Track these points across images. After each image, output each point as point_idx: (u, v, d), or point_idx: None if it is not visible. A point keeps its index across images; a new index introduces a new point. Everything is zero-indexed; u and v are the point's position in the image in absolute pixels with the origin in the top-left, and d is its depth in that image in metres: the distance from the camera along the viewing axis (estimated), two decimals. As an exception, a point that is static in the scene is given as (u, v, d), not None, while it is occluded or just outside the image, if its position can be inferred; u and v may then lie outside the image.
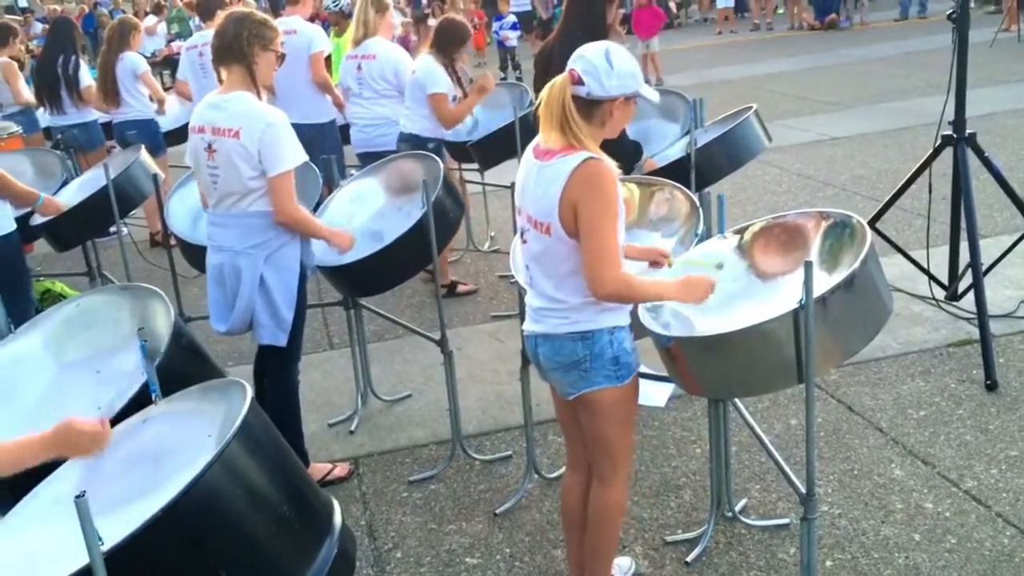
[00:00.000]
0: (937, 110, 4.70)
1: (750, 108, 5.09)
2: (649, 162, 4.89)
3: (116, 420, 2.46)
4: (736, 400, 3.27)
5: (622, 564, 3.23)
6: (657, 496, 3.69)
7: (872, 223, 5.02)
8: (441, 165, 4.23)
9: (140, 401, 2.50)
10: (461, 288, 6.08)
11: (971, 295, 4.58)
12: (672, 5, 21.39)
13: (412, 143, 5.51)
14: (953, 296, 5.03)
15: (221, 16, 3.69)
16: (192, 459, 2.04)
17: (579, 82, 2.54)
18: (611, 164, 2.56)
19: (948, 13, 4.55)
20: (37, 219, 5.15)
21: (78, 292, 5.07)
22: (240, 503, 1.98)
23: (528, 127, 5.40)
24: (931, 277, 5.06)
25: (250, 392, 2.14)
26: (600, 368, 2.67)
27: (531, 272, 2.75)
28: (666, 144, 5.30)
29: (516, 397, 3.82)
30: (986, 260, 4.60)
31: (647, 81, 13.09)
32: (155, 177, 5.18)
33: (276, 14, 7.25)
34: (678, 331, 2.89)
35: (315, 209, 4.25)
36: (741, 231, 3.24)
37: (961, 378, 4.36)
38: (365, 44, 5.84)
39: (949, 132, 4.67)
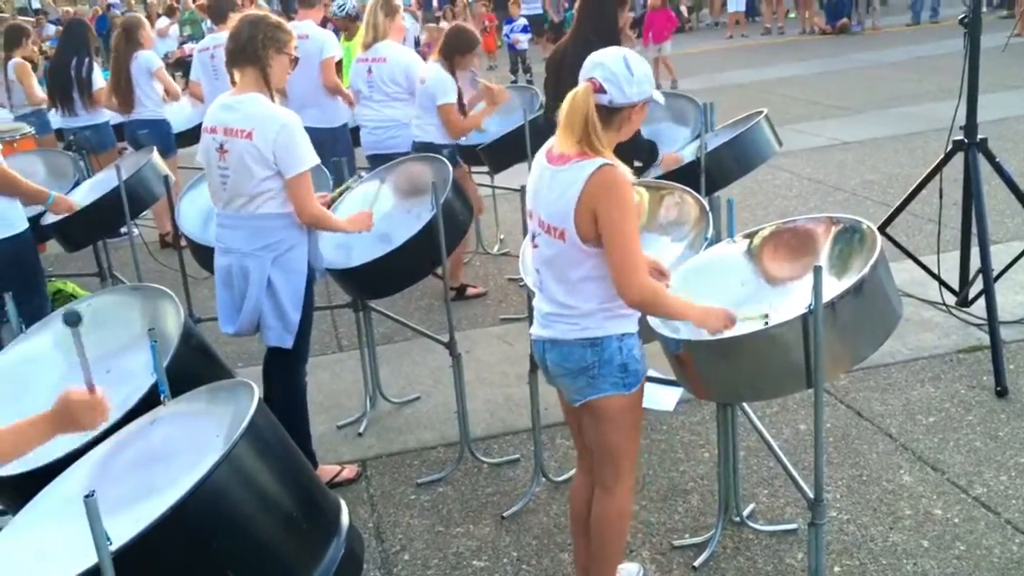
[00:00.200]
0: (949, 115, 4.69)
1: (760, 112, 5.08)
2: (675, 157, 4.88)
3: (125, 420, 2.47)
4: (745, 404, 3.26)
5: (630, 570, 3.22)
6: (665, 500, 3.69)
7: (883, 228, 5.00)
8: (450, 167, 4.24)
9: (149, 401, 2.51)
10: (470, 291, 6.09)
11: (982, 301, 4.56)
12: (683, 9, 21.40)
13: (427, 151, 5.51)
14: (964, 302, 5.01)
15: (233, 18, 3.71)
16: (200, 459, 2.04)
17: (600, 90, 2.55)
18: (624, 169, 2.57)
19: (960, 18, 4.54)
20: (49, 219, 5.17)
21: (89, 292, 5.10)
22: (247, 503, 1.99)
23: (538, 130, 5.41)
24: (941, 283, 5.04)
25: (258, 393, 2.15)
26: (608, 375, 2.67)
27: (541, 276, 2.75)
28: (676, 148, 5.29)
29: (524, 400, 3.82)
30: (997, 266, 4.58)
31: (658, 86, 13.13)
32: (166, 179, 5.21)
33: (288, 18, 7.28)
34: (687, 334, 2.89)
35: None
36: (751, 235, 3.24)
37: (971, 384, 4.35)
38: (375, 47, 5.86)
39: (960, 137, 4.66)
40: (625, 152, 2.61)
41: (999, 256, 4.83)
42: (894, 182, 7.69)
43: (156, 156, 5.58)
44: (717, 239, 3.31)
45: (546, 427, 4.02)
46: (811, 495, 2.74)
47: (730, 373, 2.79)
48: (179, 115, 8.03)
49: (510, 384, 4.77)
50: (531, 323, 2.88)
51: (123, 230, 5.94)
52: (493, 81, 6.14)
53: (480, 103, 5.77)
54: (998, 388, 4.23)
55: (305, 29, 6.23)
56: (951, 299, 5.05)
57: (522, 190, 2.85)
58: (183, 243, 4.82)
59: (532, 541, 3.53)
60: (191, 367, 2.72)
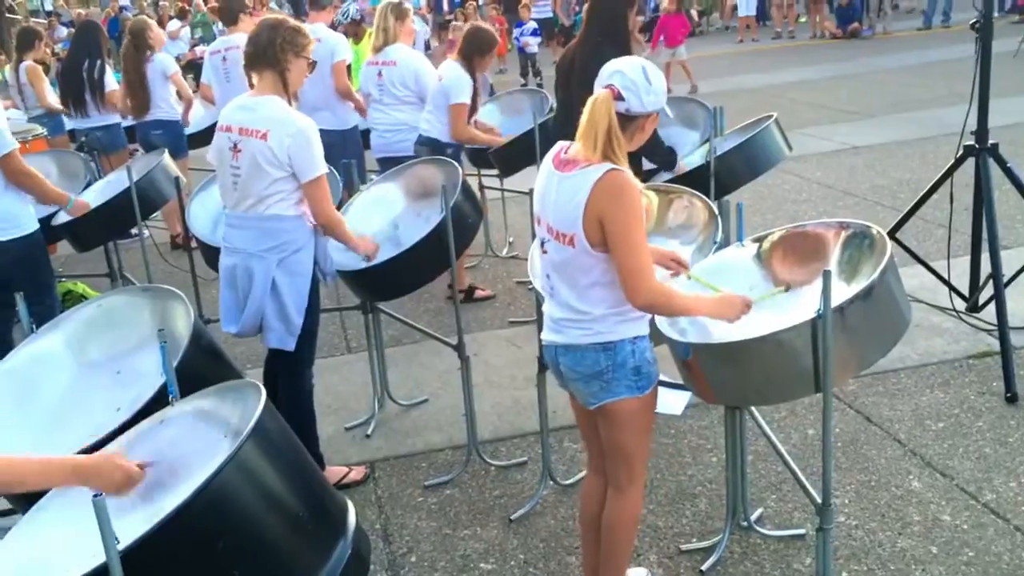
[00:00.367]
0: (960, 120, 4.67)
1: (770, 117, 5.07)
2: (679, 166, 4.90)
3: (134, 420, 2.48)
4: (753, 409, 3.26)
5: (637, 574, 3.22)
6: (672, 504, 3.68)
7: (893, 233, 4.99)
8: (460, 171, 4.25)
9: (159, 401, 2.52)
10: (479, 293, 6.09)
11: (992, 307, 4.54)
12: (694, 13, 21.38)
13: (431, 147, 5.54)
14: (974, 307, 5.00)
15: (244, 21, 3.73)
16: (207, 460, 2.04)
17: (619, 97, 2.56)
18: (631, 174, 2.57)
19: (972, 23, 4.53)
20: (60, 219, 5.20)
21: (99, 293, 5.11)
22: (254, 504, 1.99)
23: (548, 134, 5.41)
24: (952, 288, 5.02)
25: (264, 394, 2.15)
26: (622, 378, 2.67)
27: (551, 282, 2.75)
28: (686, 152, 5.29)
29: (532, 403, 3.83)
30: (1007, 271, 4.56)
31: (669, 90, 13.11)
32: (177, 180, 5.24)
33: (298, 20, 7.30)
34: (694, 338, 2.89)
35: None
36: (760, 240, 3.24)
37: (981, 390, 4.33)
38: (386, 51, 5.88)
39: (971, 142, 4.65)
40: (641, 154, 2.63)
41: (1010, 261, 4.81)
42: (904, 187, 7.67)
43: (167, 158, 5.61)
44: (726, 243, 3.31)
45: (554, 430, 4.02)
46: (819, 500, 2.73)
47: (738, 377, 2.78)
48: (191, 117, 8.06)
49: (518, 387, 4.77)
50: (540, 326, 2.88)
51: (133, 231, 5.96)
52: (502, 84, 6.15)
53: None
54: (1008, 394, 4.21)
55: (316, 32, 6.22)
56: (961, 304, 5.03)
57: (531, 193, 2.86)
58: (193, 244, 4.84)
59: (539, 544, 3.53)
60: (200, 368, 2.72)
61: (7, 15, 18.03)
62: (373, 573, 3.37)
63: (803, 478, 2.97)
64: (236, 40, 6.80)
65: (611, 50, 3.58)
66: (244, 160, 3.51)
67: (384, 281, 4.09)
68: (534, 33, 15.90)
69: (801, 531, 3.43)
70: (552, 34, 18.04)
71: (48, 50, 9.17)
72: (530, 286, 3.61)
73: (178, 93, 7.54)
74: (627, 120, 2.60)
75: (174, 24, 18.10)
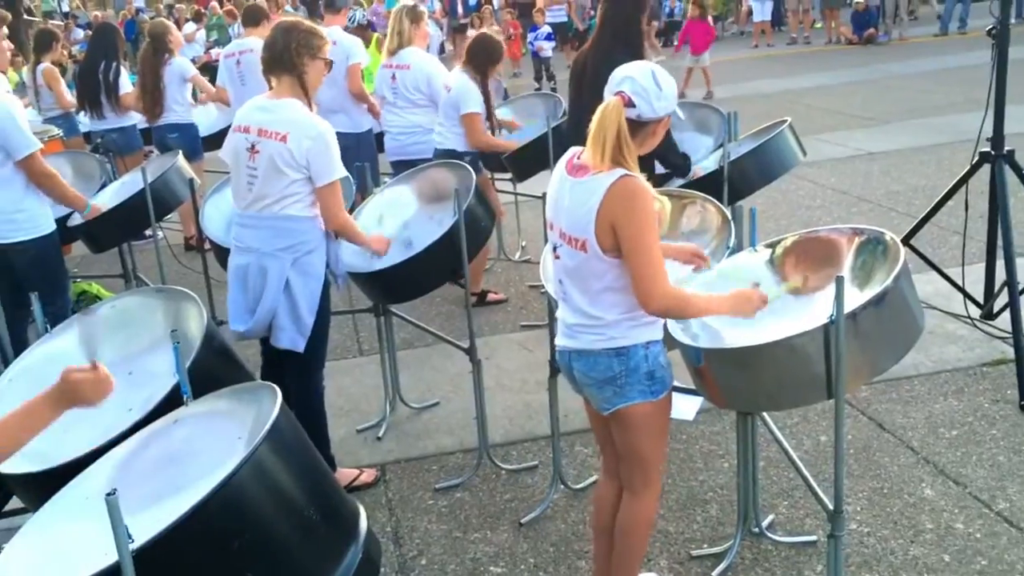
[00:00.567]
0: (975, 126, 4.65)
1: (784, 122, 5.06)
2: (696, 168, 4.90)
3: (147, 420, 2.49)
4: (765, 415, 3.25)
5: (647, 579, 3.22)
6: (683, 510, 3.67)
7: (907, 240, 4.97)
8: (473, 174, 4.26)
9: (172, 402, 2.53)
10: (491, 297, 6.09)
11: (1007, 314, 4.51)
12: (709, 18, 21.33)
13: (449, 158, 5.54)
14: (988, 315, 4.96)
15: (264, 25, 3.76)
16: (221, 461, 2.06)
17: (629, 104, 2.56)
18: (643, 180, 2.57)
19: (988, 29, 4.51)
20: (75, 220, 5.23)
21: (113, 294, 5.15)
22: (268, 505, 2.00)
23: (561, 138, 5.41)
24: (966, 295, 4.99)
25: (280, 395, 2.16)
26: (636, 383, 2.67)
27: (564, 287, 2.75)
28: (699, 157, 5.28)
29: (544, 407, 3.82)
30: (1022, 278, 4.53)
31: (682, 95, 13.17)
32: (191, 182, 5.26)
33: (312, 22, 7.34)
34: (706, 343, 2.88)
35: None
36: (773, 245, 3.23)
37: (995, 398, 4.30)
38: (400, 54, 5.90)
39: (987, 149, 4.62)
40: (654, 157, 2.63)
41: (1025, 269, 4.78)
42: (919, 194, 7.64)
43: (181, 159, 5.64)
44: (739, 248, 3.30)
45: (565, 434, 4.02)
46: (831, 506, 2.72)
47: (749, 383, 2.78)
48: (205, 119, 8.11)
49: (529, 391, 4.77)
50: (552, 330, 2.88)
51: (147, 232, 5.99)
52: (516, 88, 6.16)
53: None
54: (1022, 402, 4.19)
55: (331, 35, 6.24)
56: (976, 312, 5.00)
57: (543, 197, 2.86)
58: (207, 246, 4.85)
59: (549, 548, 3.52)
60: (213, 369, 2.74)
61: (25, 17, 18.16)
62: (383, 575, 3.38)
63: (815, 484, 2.95)
64: (251, 43, 6.84)
65: (623, 55, 3.58)
66: (261, 161, 3.53)
67: (396, 283, 4.10)
68: (548, 37, 15.91)
69: (812, 538, 3.41)
70: (566, 38, 18.03)
71: (65, 52, 9.22)
72: (542, 290, 3.61)
73: (195, 94, 7.57)
74: (638, 126, 2.60)
75: (190, 27, 18.19)
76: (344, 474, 3.97)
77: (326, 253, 3.70)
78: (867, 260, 2.92)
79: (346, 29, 7.85)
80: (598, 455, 3.26)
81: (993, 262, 4.93)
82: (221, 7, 18.49)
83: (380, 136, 6.49)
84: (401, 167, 5.67)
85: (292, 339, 3.66)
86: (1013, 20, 5.50)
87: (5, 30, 4.40)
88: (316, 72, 3.64)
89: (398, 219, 4.45)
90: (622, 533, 2.88)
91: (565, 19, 18.20)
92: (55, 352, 3.04)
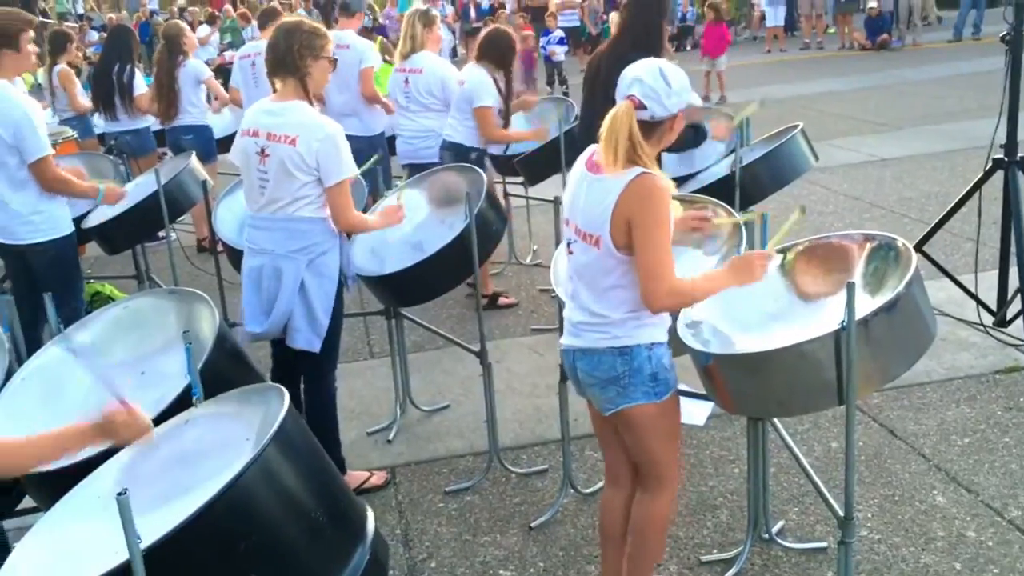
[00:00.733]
0: (989, 133, 4.64)
1: (796, 127, 5.05)
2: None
3: (158, 421, 2.50)
4: (776, 421, 3.24)
5: (657, 583, 3.22)
6: (693, 515, 3.66)
7: (920, 246, 4.95)
8: (485, 178, 4.26)
9: (183, 402, 2.54)
10: (502, 301, 6.10)
11: (1020, 321, 4.51)
12: (724, 23, 21.30)
13: (455, 152, 5.56)
14: (1001, 322, 4.94)
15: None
16: (230, 462, 2.06)
17: (640, 107, 2.56)
18: (665, 179, 2.57)
19: (1002, 35, 4.50)
20: (90, 222, 5.26)
21: (126, 295, 5.17)
22: (275, 507, 2.00)
23: (573, 142, 5.42)
24: (979, 302, 4.97)
25: (288, 397, 2.17)
26: (639, 384, 2.66)
27: (574, 285, 2.76)
28: (711, 162, 5.28)
29: (554, 411, 3.82)
30: (1036, 286, 4.53)
31: (706, 98, 13.17)
32: (204, 184, 5.28)
33: (328, 26, 7.37)
34: (717, 348, 2.87)
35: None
36: (784, 251, 3.22)
37: (1008, 406, 4.28)
38: (412, 58, 5.91)
39: (1000, 155, 4.61)
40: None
41: (1038, 276, 4.76)
42: (932, 200, 7.61)
43: (195, 160, 5.66)
44: (751, 253, 3.29)
45: (575, 438, 4.01)
46: (841, 513, 2.71)
47: (759, 388, 2.77)
48: (219, 122, 8.14)
49: (540, 395, 4.77)
50: (562, 333, 2.88)
51: (161, 234, 6.02)
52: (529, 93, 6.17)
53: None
54: (1035, 410, 4.17)
55: (346, 39, 6.29)
56: (989, 319, 4.98)
57: (556, 201, 2.86)
58: (220, 248, 4.87)
59: (559, 552, 3.52)
60: (224, 370, 2.75)
61: (40, 19, 18.28)
62: (392, 578, 3.38)
63: (825, 490, 2.95)
64: (266, 45, 6.87)
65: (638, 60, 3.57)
66: (272, 165, 3.54)
67: (407, 286, 4.11)
68: (560, 42, 15.92)
69: (823, 544, 3.40)
70: (579, 43, 18.06)
71: (80, 54, 9.28)
72: (553, 294, 3.61)
73: (209, 97, 7.61)
74: (652, 126, 2.60)
75: (204, 30, 18.24)
76: (354, 476, 3.98)
77: (340, 253, 3.71)
78: (879, 266, 2.91)
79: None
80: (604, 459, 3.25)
81: (1006, 269, 4.91)
82: (235, 10, 18.57)
83: (392, 140, 6.50)
84: (413, 170, 5.68)
85: (308, 340, 3.67)
86: (1028, 26, 5.47)
87: (32, 33, 4.42)
88: (321, 72, 3.64)
89: (409, 222, 4.46)
90: (637, 532, 2.88)
91: (578, 24, 18.23)
92: (67, 352, 3.06)
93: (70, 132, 7.73)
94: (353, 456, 4.19)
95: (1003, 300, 4.96)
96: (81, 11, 25.52)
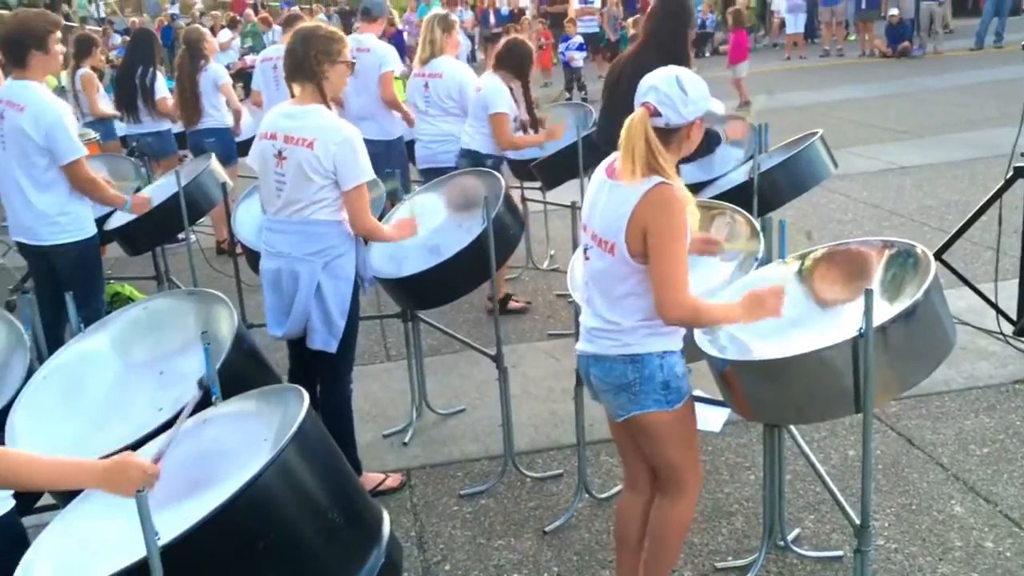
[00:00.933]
0: (1010, 141, 4.61)
1: (815, 133, 5.03)
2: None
3: (175, 420, 2.52)
4: (792, 428, 3.23)
5: (672, 590, 3.21)
6: (708, 521, 3.65)
7: (939, 254, 4.92)
8: (503, 183, 4.27)
9: (200, 402, 2.56)
10: (512, 304, 6.08)
11: (1040, 331, 4.47)
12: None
13: (471, 159, 5.57)
14: (1021, 332, 4.91)
15: None
16: (247, 462, 2.08)
17: (656, 114, 2.56)
18: (683, 190, 2.57)
19: (1024, 43, 4.47)
20: (112, 223, 5.30)
21: (146, 296, 5.20)
22: (293, 507, 2.02)
23: (592, 147, 5.42)
24: (999, 311, 4.94)
25: (307, 398, 2.18)
26: (650, 392, 2.67)
27: (589, 290, 2.77)
28: (729, 168, 5.27)
29: (569, 416, 3.82)
30: (1057, 296, 4.49)
31: (746, 102, 13.12)
32: (223, 186, 5.31)
33: (348, 31, 7.40)
34: (734, 355, 2.87)
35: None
36: (802, 257, 3.21)
37: (1027, 416, 4.25)
38: (432, 63, 5.93)
39: (1022, 164, 4.58)
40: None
41: (1059, 286, 4.73)
42: (952, 208, 7.56)
43: (215, 162, 5.70)
44: (768, 260, 3.29)
45: (590, 443, 4.01)
46: (858, 521, 2.70)
47: (777, 395, 2.76)
48: (241, 126, 8.17)
49: (555, 399, 4.77)
50: (578, 339, 2.89)
51: (181, 236, 6.06)
52: (547, 98, 6.18)
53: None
54: (1055, 421, 4.13)
55: (366, 43, 6.32)
56: (1009, 328, 4.94)
57: (573, 206, 2.87)
58: (239, 250, 4.89)
59: (573, 557, 3.52)
60: (242, 371, 2.77)
61: (64, 23, 18.45)
62: (406, 580, 3.39)
63: (841, 498, 2.93)
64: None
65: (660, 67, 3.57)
66: (289, 168, 3.56)
67: (424, 289, 4.12)
68: (579, 48, 15.92)
69: (839, 553, 3.38)
70: (598, 49, 18.04)
71: (103, 57, 9.37)
72: (570, 299, 3.61)
73: (227, 103, 7.66)
74: (669, 133, 2.60)
75: (225, 34, 18.38)
76: (370, 478, 3.99)
77: (355, 256, 3.73)
78: (897, 273, 2.90)
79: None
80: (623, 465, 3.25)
81: (1027, 278, 4.88)
82: (256, 14, 18.68)
83: (410, 144, 6.53)
84: (431, 175, 5.70)
85: (325, 341, 3.69)
86: (1050, 34, 5.44)
87: (59, 34, 4.47)
88: (338, 76, 3.67)
89: (427, 226, 4.47)
90: (655, 536, 2.88)
91: (597, 30, 18.21)
92: (88, 351, 3.09)
93: (92, 134, 7.79)
94: (369, 458, 4.21)
95: (1023, 309, 4.92)
96: (102, 15, 25.74)
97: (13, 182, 4.45)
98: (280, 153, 3.58)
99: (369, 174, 3.61)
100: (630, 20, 15.48)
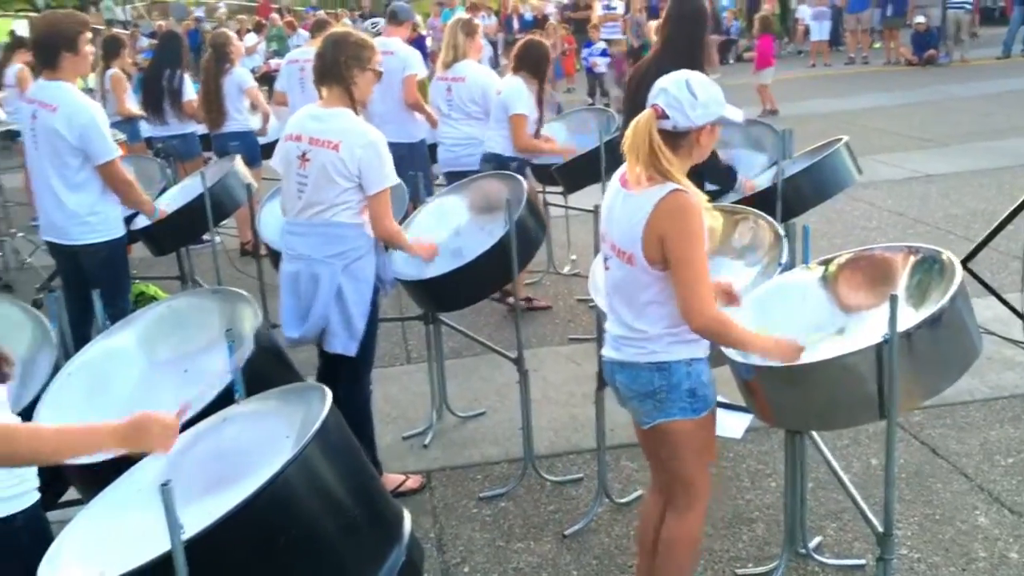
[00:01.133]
0: (1038, 149, 4.56)
1: (840, 140, 5.01)
2: (749, 183, 4.85)
3: (198, 418, 2.54)
4: (815, 435, 3.21)
5: (691, 597, 3.19)
6: (729, 528, 3.64)
7: (965, 263, 4.87)
8: (525, 185, 4.28)
9: (224, 400, 2.58)
10: (536, 303, 6.07)
11: (1067, 341, 4.42)
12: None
13: (495, 163, 5.58)
14: (1048, 342, 4.86)
15: None
16: (269, 459, 2.08)
17: (663, 116, 2.55)
18: (697, 194, 2.56)
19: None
20: (139, 224, 5.35)
21: (170, 295, 5.24)
22: (314, 504, 2.02)
23: (613, 152, 5.41)
24: (1026, 321, 4.89)
25: (330, 396, 2.19)
26: (676, 400, 2.66)
27: (612, 300, 2.76)
28: (752, 174, 5.24)
29: (590, 420, 3.82)
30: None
31: (774, 111, 13.04)
32: (248, 187, 5.35)
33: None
34: (758, 360, 2.85)
35: (400, 224, 4.33)
36: (826, 262, 3.19)
37: (1053, 426, 4.21)
38: (455, 67, 5.96)
39: (1050, 172, 4.53)
40: (700, 175, 2.61)
41: (1087, 295, 4.68)
42: (978, 217, 7.50)
43: (239, 163, 5.74)
44: (791, 266, 3.27)
45: (611, 448, 4.00)
46: (880, 528, 2.68)
47: (801, 401, 2.75)
48: (268, 128, 8.22)
49: (576, 403, 4.76)
50: (600, 344, 2.89)
51: (205, 237, 6.11)
52: (570, 103, 6.17)
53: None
54: (1082, 432, 4.09)
55: (391, 46, 6.35)
56: (1035, 338, 4.90)
57: (595, 210, 2.87)
58: (264, 251, 4.92)
59: (592, 561, 3.51)
60: (265, 369, 2.78)
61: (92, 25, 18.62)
62: (426, 582, 3.39)
63: (863, 505, 2.91)
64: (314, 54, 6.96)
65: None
66: (312, 170, 3.58)
67: (446, 292, 4.13)
68: (603, 54, 15.92)
69: (861, 561, 3.36)
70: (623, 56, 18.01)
71: (130, 59, 9.46)
72: (591, 304, 3.61)
73: (252, 105, 7.71)
74: (677, 136, 2.58)
75: (251, 38, 18.50)
76: (390, 479, 4.00)
77: (375, 258, 3.74)
78: (922, 279, 2.87)
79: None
80: (644, 469, 3.24)
81: (1054, 288, 4.83)
82: (281, 19, 18.80)
83: (433, 147, 6.55)
84: (454, 178, 5.72)
85: (344, 344, 3.70)
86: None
87: (89, 35, 4.52)
88: (366, 83, 3.70)
89: (449, 228, 4.49)
90: (665, 549, 2.87)
91: (620, 36, 18.19)
92: (113, 348, 3.11)
93: (119, 135, 7.85)
94: (389, 460, 4.22)
95: (1050, 319, 4.87)
96: (127, 18, 25.98)
97: (45, 182, 4.50)
98: (304, 155, 3.61)
99: (393, 179, 3.63)
100: (649, 23, 15.44)
